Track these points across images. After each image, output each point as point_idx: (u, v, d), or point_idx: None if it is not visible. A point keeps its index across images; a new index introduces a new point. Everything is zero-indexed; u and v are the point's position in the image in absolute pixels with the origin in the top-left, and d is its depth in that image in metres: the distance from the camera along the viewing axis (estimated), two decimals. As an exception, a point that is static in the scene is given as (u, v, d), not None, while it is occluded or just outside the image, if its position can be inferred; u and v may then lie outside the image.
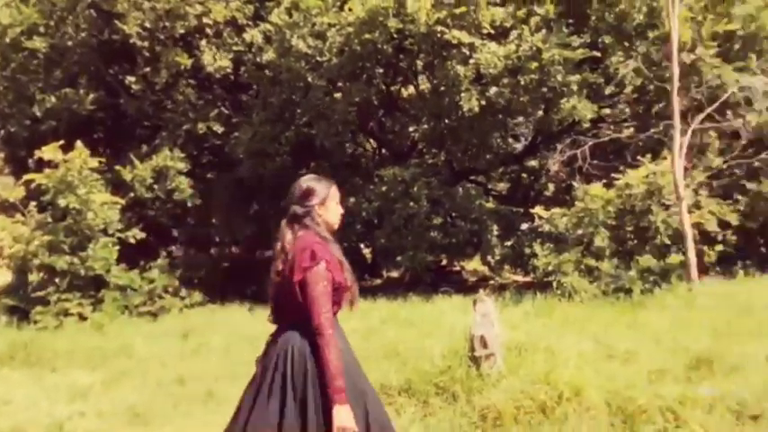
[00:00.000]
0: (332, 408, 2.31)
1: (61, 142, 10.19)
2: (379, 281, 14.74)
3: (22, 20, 12.31)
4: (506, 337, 5.12)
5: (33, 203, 10.42)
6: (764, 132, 11.29)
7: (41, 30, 12.50)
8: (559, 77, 10.68)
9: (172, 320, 9.72)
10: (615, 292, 9.12)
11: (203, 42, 12.27)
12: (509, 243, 12.04)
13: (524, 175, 16.23)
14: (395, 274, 14.39)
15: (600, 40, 11.38)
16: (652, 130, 10.63)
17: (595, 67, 11.56)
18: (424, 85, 12.79)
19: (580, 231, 10.14)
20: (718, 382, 4.52)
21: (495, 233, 11.92)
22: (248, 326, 8.54)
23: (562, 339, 5.57)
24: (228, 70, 12.44)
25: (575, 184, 11.38)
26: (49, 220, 10.10)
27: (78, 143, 10.28)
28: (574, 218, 10.31)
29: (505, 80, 10.87)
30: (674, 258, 9.39)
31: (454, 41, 10.78)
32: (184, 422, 4.83)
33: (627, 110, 13.17)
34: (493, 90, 10.93)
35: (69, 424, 4.80)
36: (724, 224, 10.66)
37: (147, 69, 12.27)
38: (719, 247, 10.47)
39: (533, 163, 15.54)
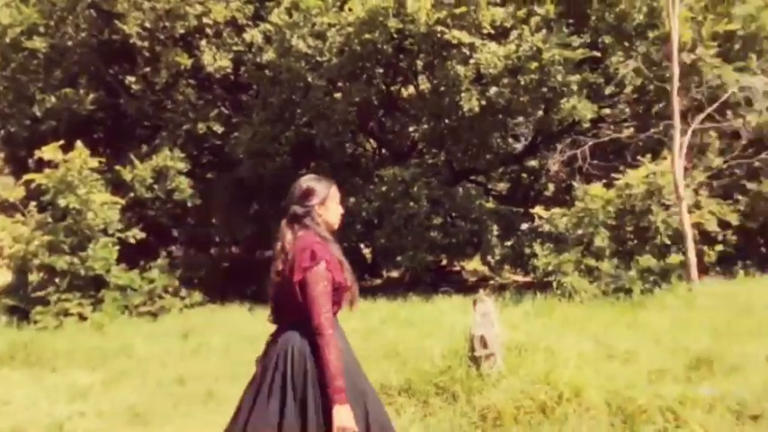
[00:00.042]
0: (332, 408, 2.31)
1: (61, 142, 10.19)
2: (379, 281, 14.74)
3: (22, 20, 12.31)
4: (506, 337, 5.12)
5: (33, 203, 10.41)
6: (764, 132, 11.29)
7: (41, 30, 12.50)
8: (559, 77, 10.68)
9: (172, 320, 9.72)
10: (615, 292, 9.12)
11: (203, 42, 12.27)
12: (509, 243, 12.04)
13: (524, 175, 16.23)
14: (395, 274, 14.39)
15: (600, 40, 11.38)
16: (652, 130, 10.63)
17: (595, 67, 11.56)
18: (424, 85, 12.79)
19: (580, 231, 10.14)
20: (718, 382, 4.52)
21: (495, 233, 11.93)
22: (248, 326, 8.54)
23: (562, 339, 5.57)
24: (228, 70, 12.44)
25: (575, 184, 11.38)
26: (49, 220, 10.10)
27: (78, 143, 10.27)
28: (574, 218, 10.31)
29: (505, 80, 10.86)
30: (674, 258, 9.39)
31: (454, 41, 10.78)
32: (184, 422, 4.83)
33: (627, 110, 13.17)
34: (493, 90, 10.92)
35: (69, 424, 4.80)
36: (724, 224, 10.66)
37: (147, 69, 12.27)
38: (719, 247, 10.47)
39: (533, 163, 15.54)
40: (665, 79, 10.10)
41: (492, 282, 13.00)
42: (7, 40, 12.38)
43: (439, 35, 10.79)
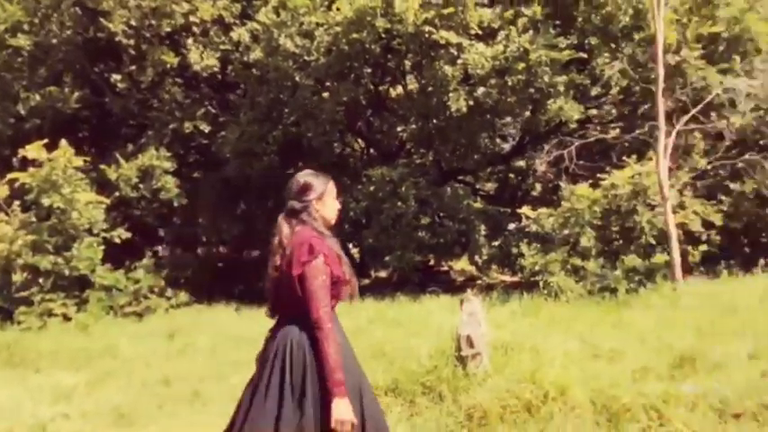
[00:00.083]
0: (331, 401, 2.32)
1: (45, 141, 10.11)
2: (366, 281, 14.73)
3: (7, 17, 12.19)
4: (493, 336, 5.14)
5: (17, 203, 10.32)
6: (748, 134, 11.45)
7: (26, 27, 12.39)
8: (546, 78, 10.74)
9: (157, 321, 9.67)
10: (601, 291, 9.18)
11: (190, 41, 12.20)
12: (496, 243, 12.09)
13: (512, 175, 16.31)
14: (383, 273, 14.40)
15: (586, 41, 11.47)
16: (637, 131, 10.71)
17: (582, 69, 11.64)
18: (413, 84, 12.81)
19: (566, 231, 10.20)
20: (701, 380, 4.57)
21: (483, 233, 11.96)
22: (235, 326, 8.52)
23: (548, 339, 5.60)
24: (215, 69, 12.38)
25: (561, 184, 11.44)
26: (33, 219, 10.01)
27: (63, 142, 10.19)
28: (560, 218, 10.36)
29: (493, 81, 10.91)
30: (659, 258, 9.46)
31: (442, 42, 10.81)
32: (169, 422, 4.80)
33: (613, 111, 13.26)
34: (480, 90, 10.97)
35: (53, 425, 4.76)
36: (708, 224, 10.77)
37: (133, 68, 12.19)
38: (703, 247, 10.57)
39: (521, 163, 15.62)
40: (651, 81, 10.18)
41: (479, 281, 13.05)
42: (-9, 37, 12.27)
43: (427, 35, 10.82)
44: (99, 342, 7.71)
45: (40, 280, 9.55)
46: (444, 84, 10.96)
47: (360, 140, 15.32)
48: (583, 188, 10.39)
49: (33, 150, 9.98)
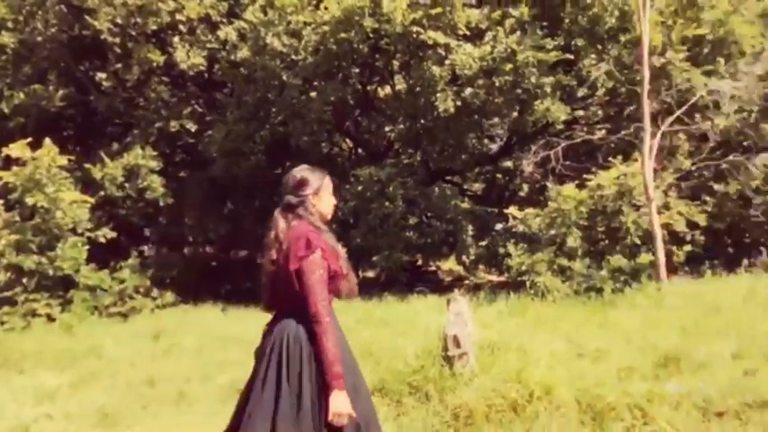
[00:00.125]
0: (329, 395, 2.34)
1: (29, 139, 10.00)
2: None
3: (-10, 14, 12.05)
4: (479, 336, 5.15)
5: (0, 202, 10.18)
6: (731, 135, 11.57)
7: (10, 25, 12.26)
8: (533, 79, 10.80)
9: (143, 321, 9.59)
10: (587, 291, 9.23)
11: (176, 39, 12.12)
12: (484, 243, 12.13)
13: (499, 175, 16.38)
14: (370, 273, 14.37)
15: (573, 42, 11.53)
16: (623, 132, 10.78)
17: (569, 70, 11.71)
18: (401, 85, 12.81)
19: (553, 231, 10.25)
20: (685, 379, 4.61)
21: (470, 233, 12.00)
22: (221, 326, 8.47)
23: (534, 338, 5.62)
24: (202, 68, 12.31)
25: (548, 184, 11.50)
26: (17, 218, 9.88)
27: (47, 140, 10.09)
28: (547, 218, 10.42)
29: (480, 81, 10.94)
30: (644, 258, 9.53)
31: (430, 42, 10.83)
32: (154, 423, 4.77)
33: (599, 112, 13.35)
34: (468, 91, 11.00)
35: (36, 426, 4.72)
36: (692, 225, 10.86)
37: (119, 66, 12.10)
38: (688, 248, 10.66)
39: (508, 164, 15.69)
40: (636, 82, 10.26)
41: (467, 281, 13.09)
42: (-26, 34, 12.11)
43: (415, 35, 10.83)
44: (83, 343, 7.63)
45: (24, 280, 9.43)
46: (432, 84, 10.98)
47: (347, 140, 15.31)
48: (569, 189, 10.45)
49: (17, 149, 9.86)
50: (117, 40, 11.66)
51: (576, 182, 10.70)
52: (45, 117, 12.16)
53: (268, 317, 2.66)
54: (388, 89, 13.43)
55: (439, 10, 10.73)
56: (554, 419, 3.93)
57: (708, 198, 11.57)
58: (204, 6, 12.00)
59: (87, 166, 11.54)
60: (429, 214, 12.08)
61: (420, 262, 13.38)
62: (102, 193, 11.40)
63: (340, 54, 11.38)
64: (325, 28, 11.20)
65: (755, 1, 12.27)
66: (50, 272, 9.59)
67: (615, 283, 9.27)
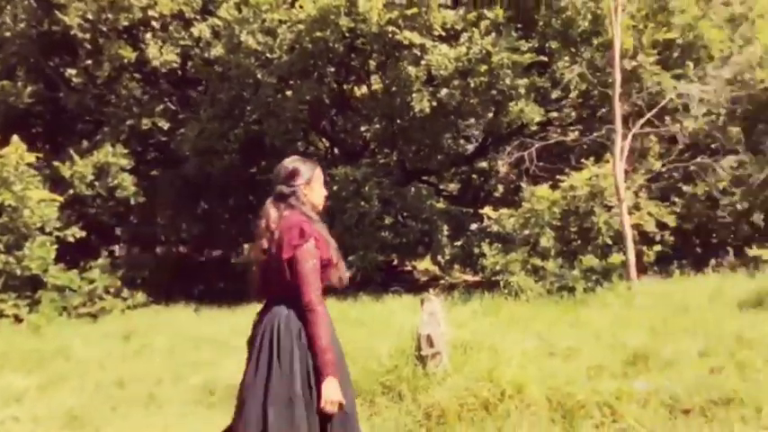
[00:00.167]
0: (321, 381, 2.36)
1: (-4, 136, 9.79)
2: (329, 280, 14.67)
3: (-44, 8, 11.73)
4: (453, 335, 5.18)
5: (-34, 200, 9.93)
6: (700, 138, 11.82)
7: (-23, 19, 11.95)
8: (508, 81, 10.89)
9: (113, 322, 9.45)
10: (559, 290, 9.34)
11: (149, 35, 11.95)
12: (459, 243, 12.18)
13: (474, 176, 16.48)
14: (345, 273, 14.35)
15: (547, 45, 11.66)
16: (595, 134, 10.93)
17: (543, 72, 11.83)
18: (377, 84, 12.81)
19: (527, 232, 10.35)
20: (653, 377, 4.68)
21: (446, 233, 12.05)
22: (194, 327, 8.39)
23: (507, 337, 5.67)
24: (175, 65, 12.14)
25: (522, 185, 11.61)
26: (-17, 217, 9.67)
27: (15, 137, 9.92)
28: (521, 218, 10.51)
29: (456, 82, 11.00)
30: (615, 258, 9.68)
31: (406, 42, 10.85)
32: (123, 425, 4.70)
33: (572, 114, 13.52)
34: (444, 91, 11.04)
35: (2, 429, 4.63)
36: (662, 225, 11.05)
37: (89, 62, 11.88)
38: (657, 248, 10.85)
39: (483, 164, 15.79)
40: (608, 85, 10.41)
41: (442, 281, 13.12)
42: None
43: (390, 35, 10.84)
44: (51, 344, 7.49)
45: (-10, 280, 9.25)
46: (408, 84, 11.00)
47: (323, 140, 15.25)
48: (543, 189, 10.57)
49: (-17, 146, 9.66)
50: (87, 35, 11.46)
51: (550, 183, 10.82)
52: (13, 114, 11.91)
53: (251, 313, 2.68)
54: (364, 89, 13.42)
55: (415, 10, 10.75)
56: (525, 418, 3.97)
57: (677, 199, 11.80)
58: (177, 3, 11.84)
59: (56, 163, 11.32)
60: (404, 214, 12.10)
61: (395, 262, 13.40)
62: (71, 191, 11.20)
63: (315, 53, 11.33)
64: (301, 26, 11.14)
65: (724, 6, 12.55)
66: (18, 271, 9.42)
67: (587, 282, 9.40)
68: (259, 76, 11.45)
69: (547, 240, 10.08)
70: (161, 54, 11.76)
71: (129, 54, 11.61)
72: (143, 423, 4.67)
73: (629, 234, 9.59)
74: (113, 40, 11.60)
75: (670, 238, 11.15)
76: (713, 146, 11.98)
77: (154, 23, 11.93)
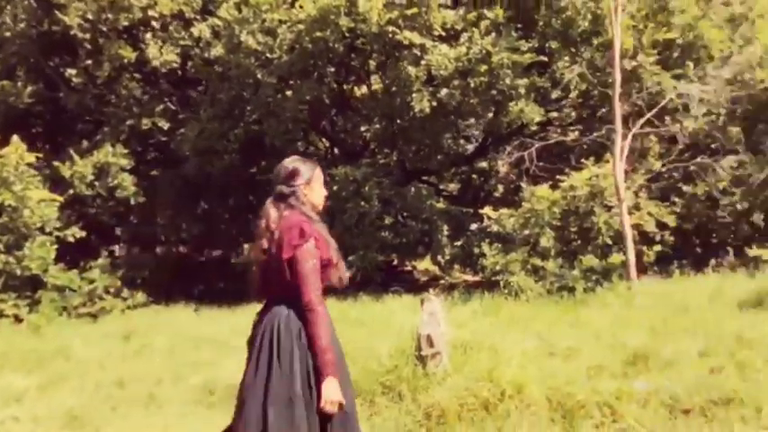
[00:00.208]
0: (321, 381, 2.37)
1: (-4, 136, 9.80)
2: (329, 280, 14.66)
3: (-44, 8, 11.74)
4: (453, 335, 5.18)
5: (-34, 200, 9.94)
6: (700, 138, 11.82)
7: (-24, 19, 11.95)
8: (508, 81, 10.89)
9: (113, 322, 9.45)
10: (559, 290, 9.34)
11: (149, 35, 11.95)
12: (459, 243, 12.18)
13: (474, 175, 16.47)
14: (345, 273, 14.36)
15: (547, 45, 11.65)
16: (595, 134, 10.93)
17: (543, 72, 11.83)
18: (377, 84, 12.81)
19: (527, 232, 10.35)
20: (653, 377, 4.68)
21: (446, 233, 12.05)
22: (194, 327, 8.39)
23: (507, 337, 5.67)
24: (175, 65, 12.14)
25: (522, 185, 11.61)
26: (-17, 217, 9.67)
27: (15, 137, 9.92)
28: (521, 218, 10.51)
29: (456, 82, 11.00)
30: (615, 258, 9.68)
31: (406, 42, 10.84)
32: (123, 425, 4.70)
33: (572, 114, 13.52)
34: (444, 91, 11.04)
35: (2, 429, 4.63)
36: (662, 225, 11.05)
37: (89, 62, 11.88)
38: (657, 248, 10.85)
39: (483, 164, 15.79)
40: (608, 85, 10.41)
41: (442, 281, 13.12)
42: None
43: (390, 35, 10.84)
44: (51, 344, 7.49)
45: (-10, 280, 9.25)
46: (408, 84, 11.00)
47: (323, 140, 15.25)
48: (543, 189, 10.57)
49: (-17, 146, 9.66)
50: (87, 35, 11.46)
51: (550, 183, 10.82)
52: (13, 114, 11.91)
53: (251, 313, 2.69)
54: (364, 89, 13.41)
55: (415, 10, 10.75)
56: (525, 418, 3.97)
57: (677, 199, 11.80)
58: (177, 3, 11.84)
59: (56, 163, 11.33)
60: (404, 214, 12.10)
61: (395, 262, 13.39)
62: (71, 191, 11.20)
63: (315, 53, 11.33)
64: (301, 26, 11.14)
65: (724, 6, 12.55)
66: (18, 272, 9.43)
67: (587, 282, 9.40)
68: (259, 76, 11.45)
69: (547, 240, 10.08)
70: (161, 54, 11.76)
71: (129, 54, 11.61)
72: (143, 423, 4.68)
73: (629, 234, 9.59)
74: (113, 40, 11.60)
75: (670, 238, 11.15)
76: (713, 146, 11.97)
77: (154, 23, 11.93)
